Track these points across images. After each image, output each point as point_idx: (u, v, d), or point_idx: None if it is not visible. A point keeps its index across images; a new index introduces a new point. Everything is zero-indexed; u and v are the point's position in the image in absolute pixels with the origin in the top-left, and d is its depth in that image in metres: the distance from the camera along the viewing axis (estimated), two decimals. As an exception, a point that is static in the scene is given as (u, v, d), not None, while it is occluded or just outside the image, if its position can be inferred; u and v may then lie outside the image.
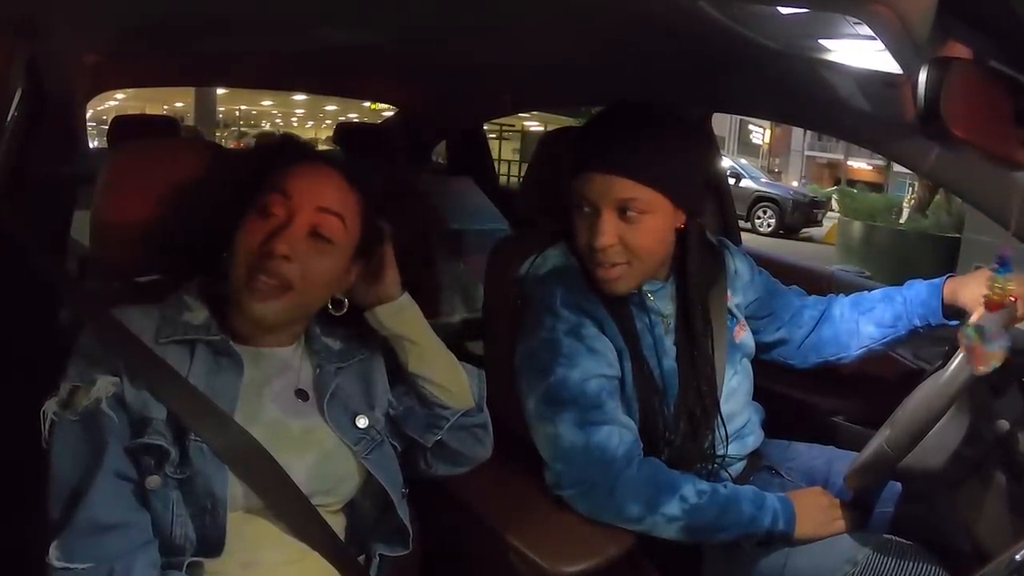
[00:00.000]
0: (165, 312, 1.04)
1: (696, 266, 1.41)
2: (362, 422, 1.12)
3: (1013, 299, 1.04)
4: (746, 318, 1.54)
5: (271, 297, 1.02)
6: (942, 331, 1.42)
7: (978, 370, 1.02)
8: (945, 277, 1.42)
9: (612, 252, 1.29)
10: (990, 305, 1.05)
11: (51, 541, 0.90)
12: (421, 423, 1.18)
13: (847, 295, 1.60)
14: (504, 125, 15.05)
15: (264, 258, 1.01)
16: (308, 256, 1.04)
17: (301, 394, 1.11)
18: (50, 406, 0.95)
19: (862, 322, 1.52)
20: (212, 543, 0.98)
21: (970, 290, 1.34)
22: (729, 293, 1.49)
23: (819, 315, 1.58)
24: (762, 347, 1.58)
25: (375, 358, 1.20)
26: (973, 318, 1.25)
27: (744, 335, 1.50)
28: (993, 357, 1.01)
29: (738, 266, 1.54)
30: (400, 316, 1.16)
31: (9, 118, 1.19)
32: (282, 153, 1.12)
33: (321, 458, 1.08)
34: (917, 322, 1.44)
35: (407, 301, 1.16)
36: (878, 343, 1.51)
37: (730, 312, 1.48)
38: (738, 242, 2.17)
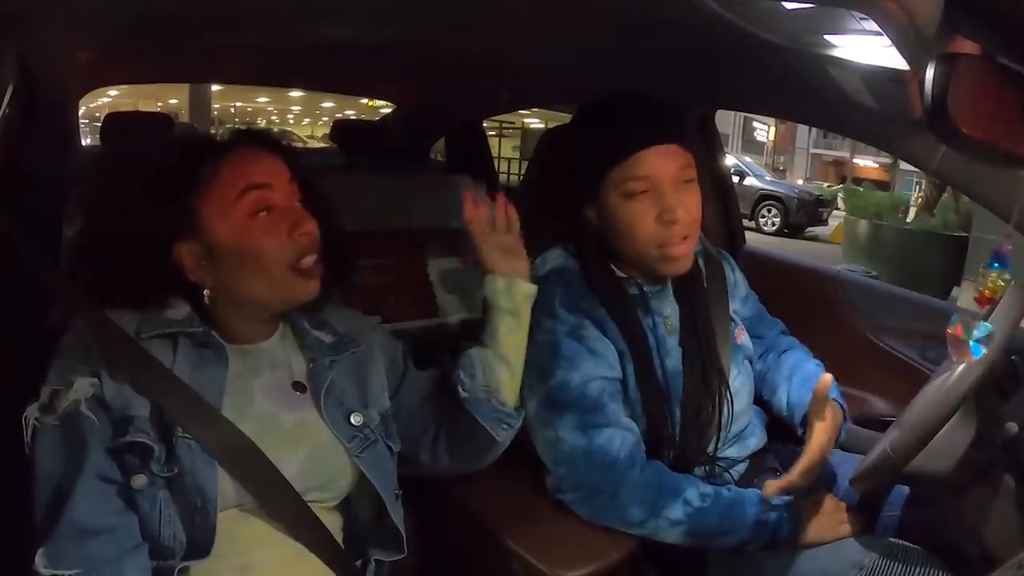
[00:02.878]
0: (146, 310, 1.03)
1: (705, 264, 1.42)
2: (356, 419, 1.12)
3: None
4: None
5: (319, 270, 1.09)
6: None
7: (960, 360, 1.00)
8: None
9: (685, 224, 1.28)
10: (980, 300, 1.04)
11: (37, 547, 0.89)
12: (491, 415, 1.21)
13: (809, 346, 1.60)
14: (504, 122, 14.96)
15: (301, 242, 1.05)
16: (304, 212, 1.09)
17: (298, 387, 1.11)
18: (31, 411, 0.95)
19: (779, 389, 1.52)
20: (202, 544, 0.97)
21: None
22: (728, 298, 1.48)
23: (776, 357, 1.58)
24: None
25: (371, 354, 1.20)
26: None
27: (744, 337, 1.49)
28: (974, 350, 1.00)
29: (736, 277, 1.56)
30: (529, 299, 1.25)
31: (0, 115, 1.18)
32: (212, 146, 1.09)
33: (314, 452, 1.07)
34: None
35: (528, 289, 1.26)
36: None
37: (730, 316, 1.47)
38: (742, 241, 2.16)
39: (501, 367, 1.22)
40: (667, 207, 1.26)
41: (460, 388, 1.21)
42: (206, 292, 1.05)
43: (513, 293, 1.23)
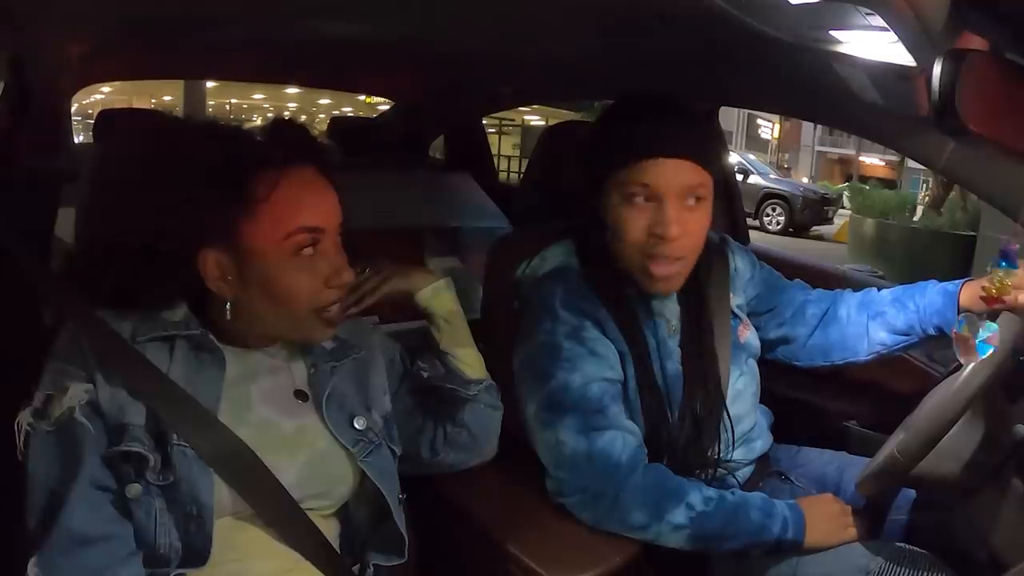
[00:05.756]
0: (143, 311, 1.00)
1: (708, 264, 1.39)
2: (360, 423, 1.11)
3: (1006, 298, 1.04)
4: (748, 315, 1.50)
5: (343, 318, 1.09)
6: None
7: (967, 360, 0.99)
8: (961, 283, 1.37)
9: (679, 245, 1.25)
10: (988, 300, 1.05)
11: (30, 556, 0.88)
12: (447, 394, 1.22)
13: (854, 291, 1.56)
14: (504, 119, 14.99)
15: (333, 293, 1.04)
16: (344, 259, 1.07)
17: (300, 395, 1.09)
18: (24, 417, 0.93)
19: (872, 327, 1.46)
20: (198, 552, 0.95)
21: None
22: (731, 294, 1.46)
23: (823, 313, 1.53)
24: (765, 345, 1.54)
25: (372, 359, 1.19)
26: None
27: (748, 335, 1.47)
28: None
29: (739, 264, 1.51)
30: (437, 293, 1.22)
31: (-8, 112, 1.17)
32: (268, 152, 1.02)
33: (313, 459, 1.06)
34: (931, 331, 1.39)
35: (443, 284, 1.23)
36: (889, 350, 1.46)
37: (732, 313, 1.44)
38: (746, 241, 2.14)
39: (449, 359, 1.23)
40: (661, 220, 1.24)
41: (422, 371, 1.23)
42: (227, 306, 1.01)
43: (433, 300, 1.22)
